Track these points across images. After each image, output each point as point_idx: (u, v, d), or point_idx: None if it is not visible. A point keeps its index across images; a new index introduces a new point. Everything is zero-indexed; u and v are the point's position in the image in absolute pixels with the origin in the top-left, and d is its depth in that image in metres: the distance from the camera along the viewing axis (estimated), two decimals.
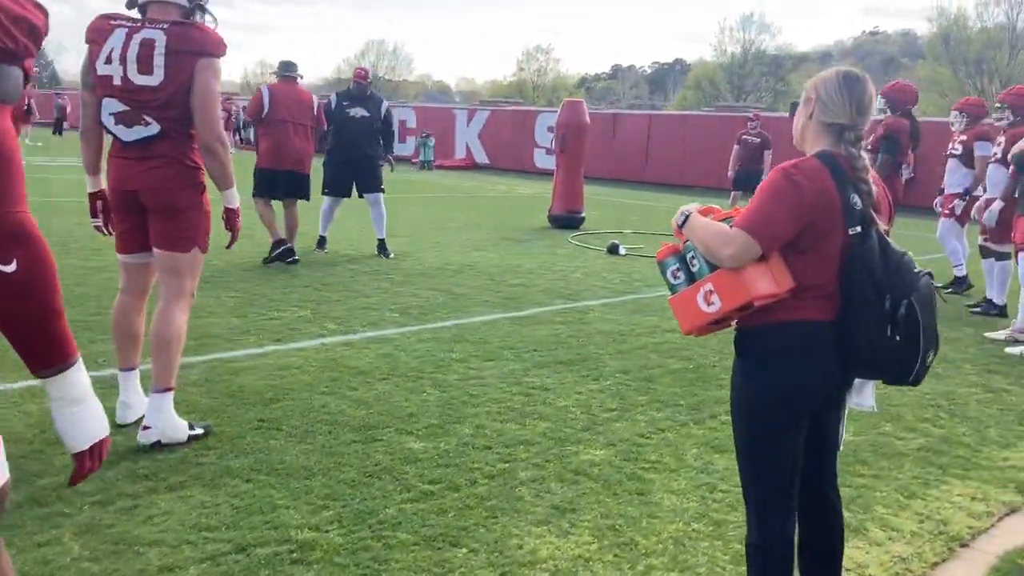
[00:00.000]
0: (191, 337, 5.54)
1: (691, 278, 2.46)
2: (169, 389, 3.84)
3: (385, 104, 9.50)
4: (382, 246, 9.42)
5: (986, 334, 6.95)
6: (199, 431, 3.90)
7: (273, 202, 8.76)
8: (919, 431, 4.60)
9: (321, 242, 9.48)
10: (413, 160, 29.94)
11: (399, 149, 32.09)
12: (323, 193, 9.38)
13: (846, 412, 2.64)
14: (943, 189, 9.16)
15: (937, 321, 2.34)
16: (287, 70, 8.88)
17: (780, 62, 57.94)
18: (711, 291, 2.36)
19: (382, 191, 9.40)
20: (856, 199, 2.33)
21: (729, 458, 3.93)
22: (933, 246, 9.93)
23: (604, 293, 7.96)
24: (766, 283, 2.30)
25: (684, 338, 6.23)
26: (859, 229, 2.32)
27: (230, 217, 4.02)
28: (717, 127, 24.09)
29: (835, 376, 2.39)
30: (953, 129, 9.01)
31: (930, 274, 2.36)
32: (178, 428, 3.81)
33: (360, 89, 9.31)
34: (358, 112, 9.23)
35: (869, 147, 8.22)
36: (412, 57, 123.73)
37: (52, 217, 10.39)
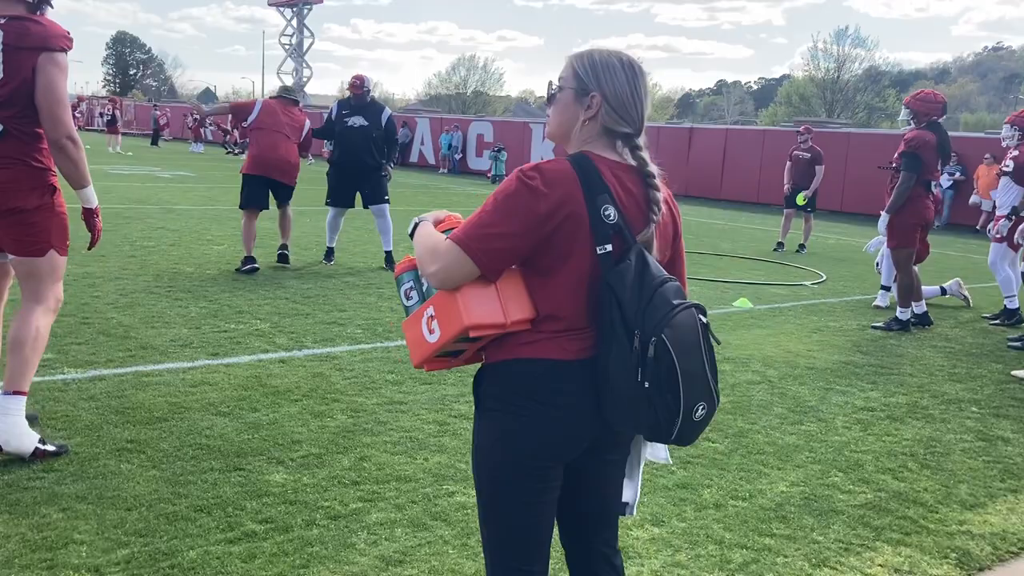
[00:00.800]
0: (125, 348, 5.40)
1: (423, 299, 2.05)
2: (20, 393, 3.62)
3: (387, 112, 9.25)
4: (389, 259, 9.16)
5: (1013, 372, 6.19)
6: (50, 448, 3.66)
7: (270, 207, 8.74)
8: (873, 484, 4.00)
9: (328, 254, 9.27)
10: (487, 174, 29.81)
11: (475, 163, 32.17)
12: (326, 203, 9.22)
13: (639, 468, 2.17)
14: (994, 209, 8.35)
15: (707, 366, 1.86)
16: (285, 92, 9.21)
17: (876, 77, 55.63)
18: (432, 316, 1.94)
19: (386, 202, 9.14)
20: (610, 212, 1.88)
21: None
22: (983, 273, 9.08)
23: None
24: (485, 310, 1.87)
25: None
26: (609, 248, 1.87)
27: (87, 218, 3.79)
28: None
29: (585, 427, 1.93)
30: (1005, 144, 8.19)
31: (696, 307, 1.87)
32: (23, 437, 3.58)
33: (359, 98, 9.11)
34: (356, 121, 9.02)
35: (894, 164, 7.52)
36: (503, 71, 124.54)
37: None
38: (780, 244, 13.35)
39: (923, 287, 7.99)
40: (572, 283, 1.88)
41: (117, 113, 32.63)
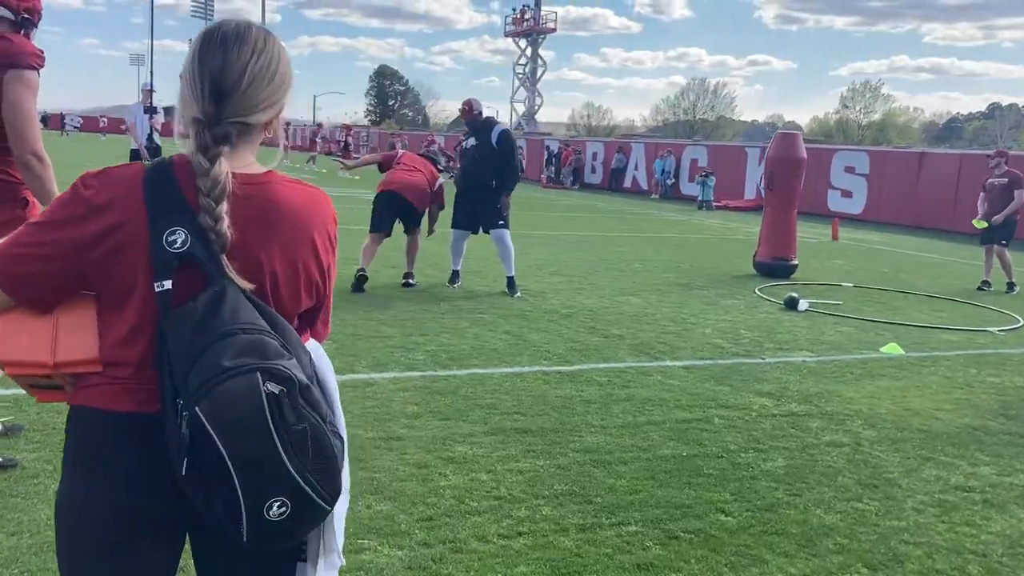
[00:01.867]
0: None
1: None
2: None
3: (497, 129, 8.89)
4: (509, 284, 8.84)
5: None
6: None
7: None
8: None
9: (453, 276, 9.11)
10: (696, 200, 28.79)
11: (687, 189, 31.20)
12: (451, 226, 9.09)
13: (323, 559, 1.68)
14: None
15: (288, 450, 1.36)
16: (430, 153, 10.38)
17: None
18: None
19: (501, 227, 8.80)
20: (178, 237, 1.43)
21: None
22: None
23: (709, 353, 6.73)
24: (22, 345, 1.49)
25: (731, 421, 5.02)
26: (168, 285, 1.43)
27: None
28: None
29: (161, 498, 1.49)
30: None
31: (271, 371, 1.37)
32: None
33: (471, 122, 8.92)
34: (470, 142, 8.86)
35: None
36: (735, 95, 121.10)
37: None
38: (986, 283, 11.63)
39: None
40: (134, 323, 1.46)
41: (349, 140, 34.77)
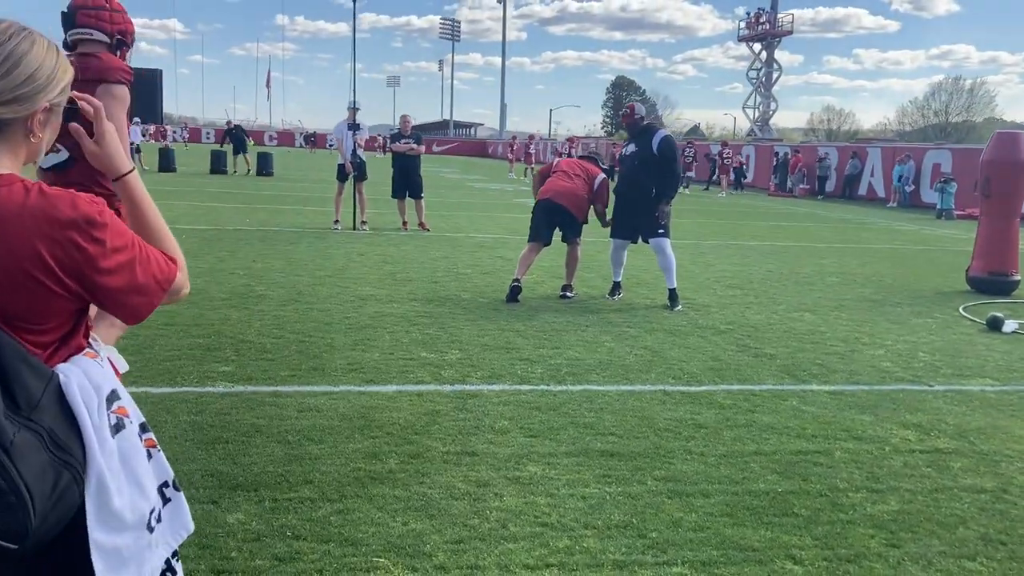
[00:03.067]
0: (294, 367, 5.60)
1: None
2: None
3: (659, 135, 8.49)
4: (671, 297, 8.47)
5: None
6: None
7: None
8: None
9: (613, 288, 8.88)
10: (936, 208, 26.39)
11: (928, 196, 28.68)
12: (610, 236, 8.87)
13: None
14: None
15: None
16: (589, 153, 10.02)
17: None
18: None
19: (661, 235, 8.44)
20: None
21: None
22: None
23: (868, 378, 6.07)
24: None
25: (855, 455, 4.51)
26: None
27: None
28: None
29: None
30: None
31: None
32: None
33: (631, 127, 8.62)
34: (629, 149, 8.57)
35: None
36: (995, 93, 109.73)
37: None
38: None
39: None
40: None
41: (574, 151, 35.04)
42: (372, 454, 4.18)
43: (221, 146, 32.63)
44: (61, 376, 1.49)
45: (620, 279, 8.92)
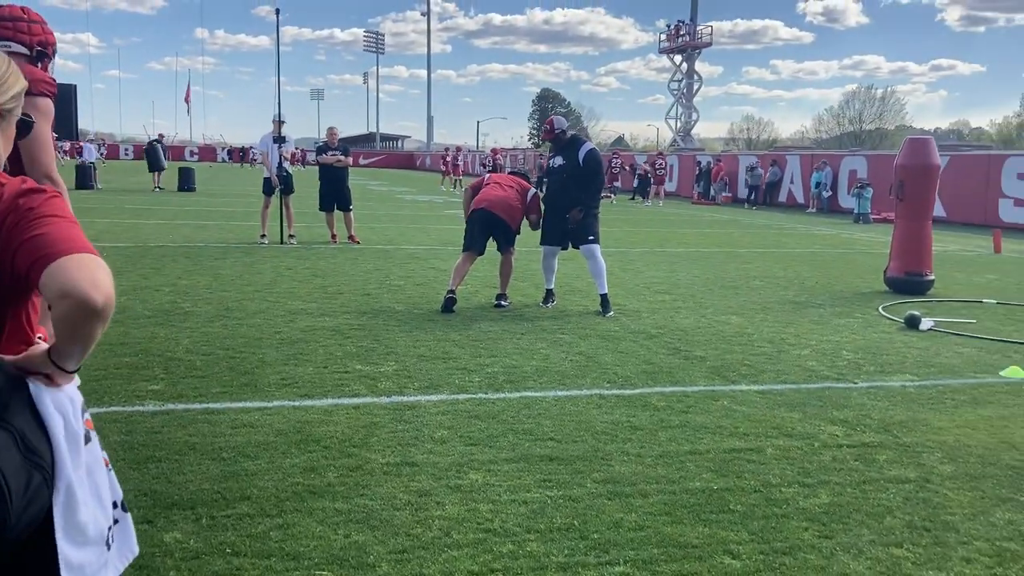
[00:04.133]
0: (226, 383, 5.48)
1: None
2: None
3: (585, 147, 8.68)
4: (603, 302, 8.58)
5: None
6: None
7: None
8: None
9: (547, 296, 8.95)
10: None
11: (846, 201, 29.59)
12: (540, 244, 8.97)
13: None
14: None
15: None
16: (516, 171, 10.15)
17: None
18: None
19: (591, 242, 8.57)
20: None
21: None
22: None
23: (795, 377, 6.24)
24: None
25: (786, 452, 4.62)
26: None
27: None
28: None
29: None
30: None
31: None
32: None
33: (555, 141, 8.84)
34: (556, 161, 8.79)
35: None
36: (904, 102, 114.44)
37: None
38: None
39: None
40: None
41: (499, 160, 35.15)
42: (310, 468, 4.14)
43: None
44: (31, 385, 1.47)
45: (552, 286, 9.00)
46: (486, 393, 5.55)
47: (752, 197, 33.45)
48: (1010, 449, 4.74)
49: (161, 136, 32.38)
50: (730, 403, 5.50)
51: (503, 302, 8.74)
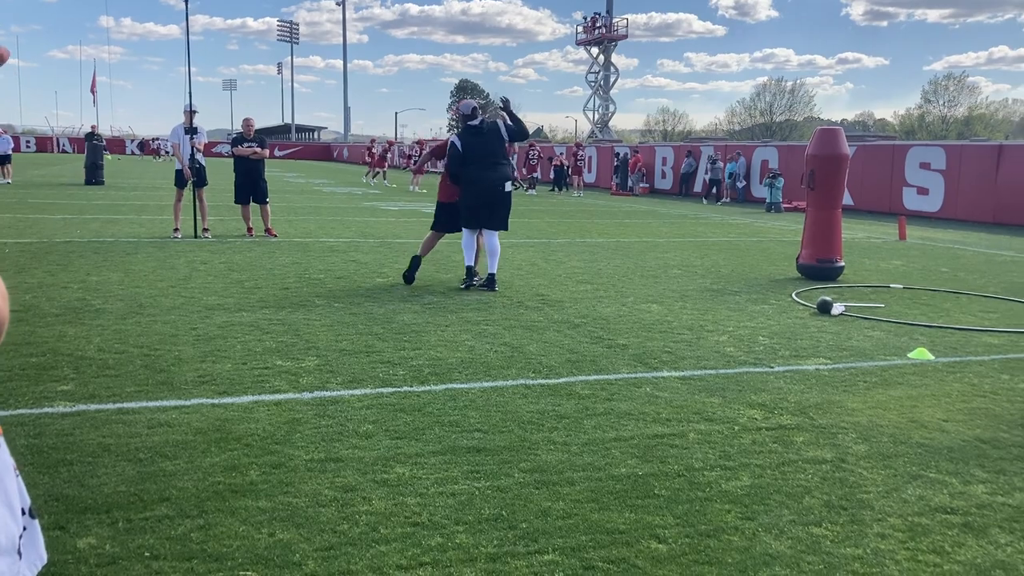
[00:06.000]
0: (141, 383, 5.30)
1: None
2: None
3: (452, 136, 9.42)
4: (490, 280, 9.34)
5: None
6: None
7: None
8: None
9: (468, 274, 9.31)
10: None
11: (759, 191, 30.33)
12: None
13: None
14: None
15: None
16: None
17: None
18: None
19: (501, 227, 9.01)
20: None
21: None
22: None
23: (715, 363, 6.36)
24: None
25: (707, 436, 4.69)
26: None
27: None
28: None
29: None
30: None
31: None
32: None
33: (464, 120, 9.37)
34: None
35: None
36: (813, 94, 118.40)
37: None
38: None
39: None
40: None
41: (414, 154, 35.01)
42: (231, 467, 4.04)
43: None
44: None
45: (473, 264, 9.31)
46: (411, 386, 5.51)
47: (714, 191, 30.84)
48: (919, 428, 4.93)
49: (94, 128, 31.43)
50: (652, 390, 5.58)
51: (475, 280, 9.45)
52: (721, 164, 31.31)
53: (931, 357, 6.69)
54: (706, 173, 32.19)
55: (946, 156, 24.00)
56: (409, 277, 9.36)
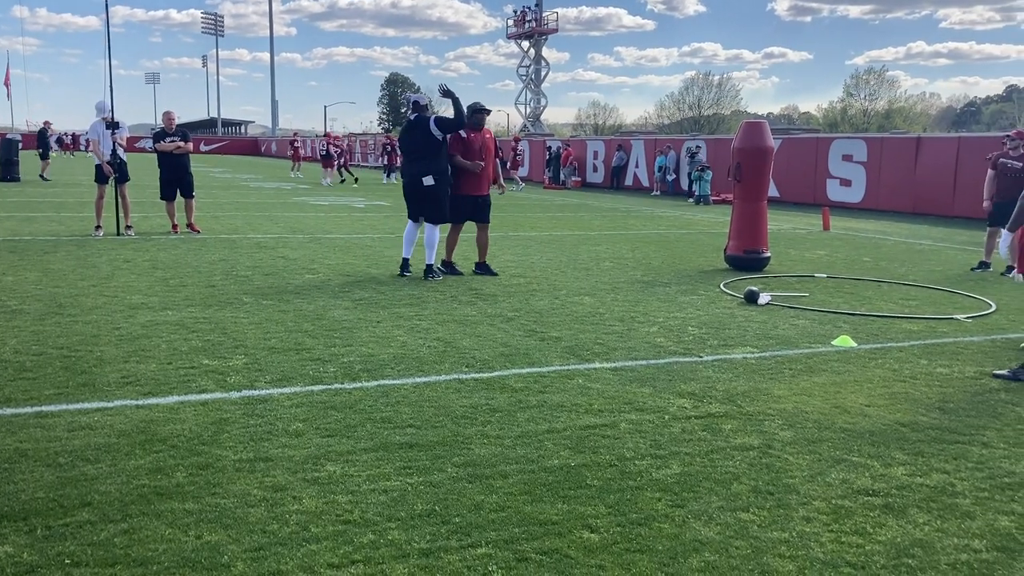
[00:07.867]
0: (61, 384, 5.13)
1: None
2: None
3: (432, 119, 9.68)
4: (428, 270, 9.62)
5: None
6: None
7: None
8: None
9: (403, 265, 9.55)
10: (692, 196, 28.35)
11: (685, 184, 30.71)
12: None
13: None
14: None
15: None
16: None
17: None
18: None
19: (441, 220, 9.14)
20: None
21: None
22: None
23: (645, 353, 6.43)
24: None
25: (639, 426, 4.74)
26: None
27: None
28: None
29: None
30: None
31: None
32: None
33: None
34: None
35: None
36: (739, 89, 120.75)
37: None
38: (984, 264, 11.49)
39: None
40: None
41: (331, 148, 34.32)
42: (156, 469, 3.94)
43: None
44: None
45: (408, 255, 9.50)
46: (342, 383, 5.45)
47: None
48: (843, 413, 5.06)
49: (47, 123, 30.44)
50: (585, 381, 5.62)
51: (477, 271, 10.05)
52: (703, 157, 30.08)
53: (854, 344, 6.88)
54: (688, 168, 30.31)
55: (867, 148, 24.67)
56: (451, 272, 9.95)
